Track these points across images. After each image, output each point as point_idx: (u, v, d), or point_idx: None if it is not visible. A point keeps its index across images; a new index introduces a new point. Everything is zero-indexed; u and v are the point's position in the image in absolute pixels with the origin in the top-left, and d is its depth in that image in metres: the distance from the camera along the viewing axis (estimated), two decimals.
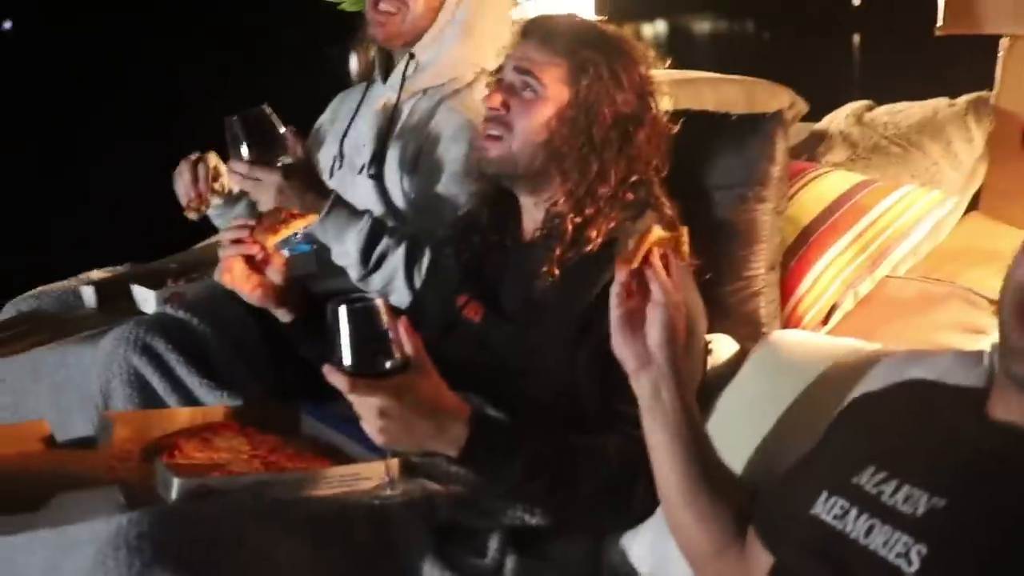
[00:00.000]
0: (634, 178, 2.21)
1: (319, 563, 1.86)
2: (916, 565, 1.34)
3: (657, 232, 1.70)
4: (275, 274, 2.29)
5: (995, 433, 1.45)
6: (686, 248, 1.74)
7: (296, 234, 2.52)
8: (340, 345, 1.80)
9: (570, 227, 2.15)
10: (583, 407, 2.07)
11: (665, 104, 2.31)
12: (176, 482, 1.88)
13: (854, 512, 1.47)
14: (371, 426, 1.83)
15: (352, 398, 1.82)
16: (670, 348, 1.68)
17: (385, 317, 1.83)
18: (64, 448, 2.12)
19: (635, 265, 1.67)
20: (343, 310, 1.80)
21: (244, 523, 1.82)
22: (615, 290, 1.71)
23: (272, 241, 2.27)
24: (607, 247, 2.11)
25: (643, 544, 2.06)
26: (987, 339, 2.48)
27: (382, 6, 2.79)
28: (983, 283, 2.63)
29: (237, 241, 2.27)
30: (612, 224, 2.16)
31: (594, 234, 2.13)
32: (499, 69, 2.31)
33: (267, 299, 2.31)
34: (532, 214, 2.29)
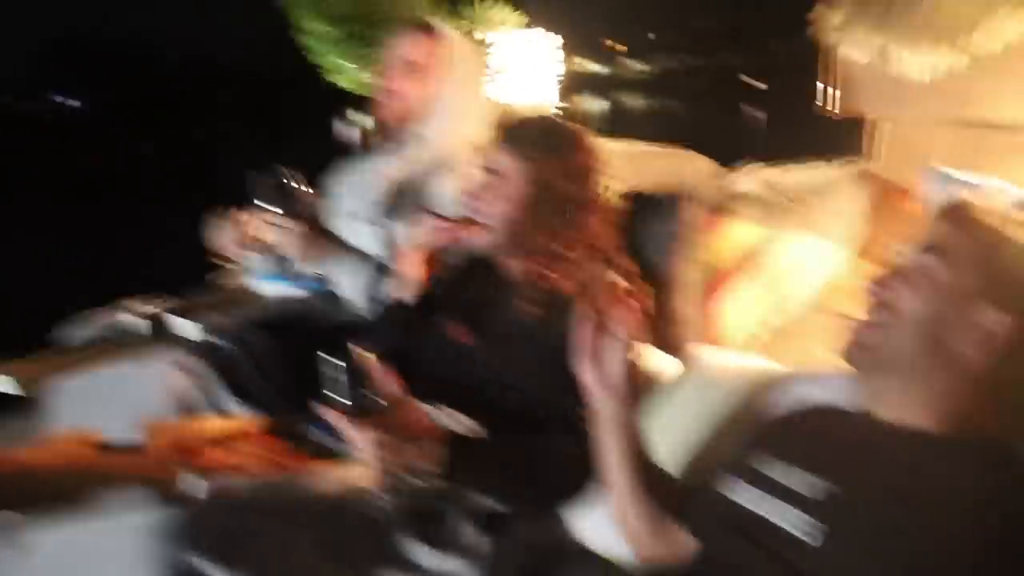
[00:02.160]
0: (593, 242, 2.24)
1: (319, 545, 1.86)
2: (819, 539, 1.38)
3: (616, 278, 1.81)
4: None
5: (877, 427, 1.51)
6: (650, 295, 1.82)
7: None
8: (335, 388, 1.78)
9: (542, 280, 2.17)
10: (546, 415, 2.05)
11: (616, 185, 2.32)
12: (198, 483, 1.87)
13: (765, 496, 1.51)
14: (367, 455, 1.83)
15: (350, 434, 1.82)
16: (623, 375, 1.69)
17: (372, 363, 1.82)
18: (113, 451, 2.07)
19: (598, 303, 1.70)
20: (336, 358, 1.77)
21: (258, 516, 1.83)
22: (580, 320, 1.71)
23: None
24: (578, 292, 2.09)
25: (591, 522, 2.05)
26: None
27: (383, 89, 2.80)
28: None
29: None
30: (580, 275, 2.16)
31: (567, 283, 2.14)
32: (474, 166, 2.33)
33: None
34: (513, 268, 2.28)
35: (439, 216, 2.35)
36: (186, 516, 1.76)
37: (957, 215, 1.52)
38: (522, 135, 2.26)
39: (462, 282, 2.42)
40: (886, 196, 2.98)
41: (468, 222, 2.29)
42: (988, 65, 1.65)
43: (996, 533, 1.27)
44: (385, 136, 2.92)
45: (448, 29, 2.89)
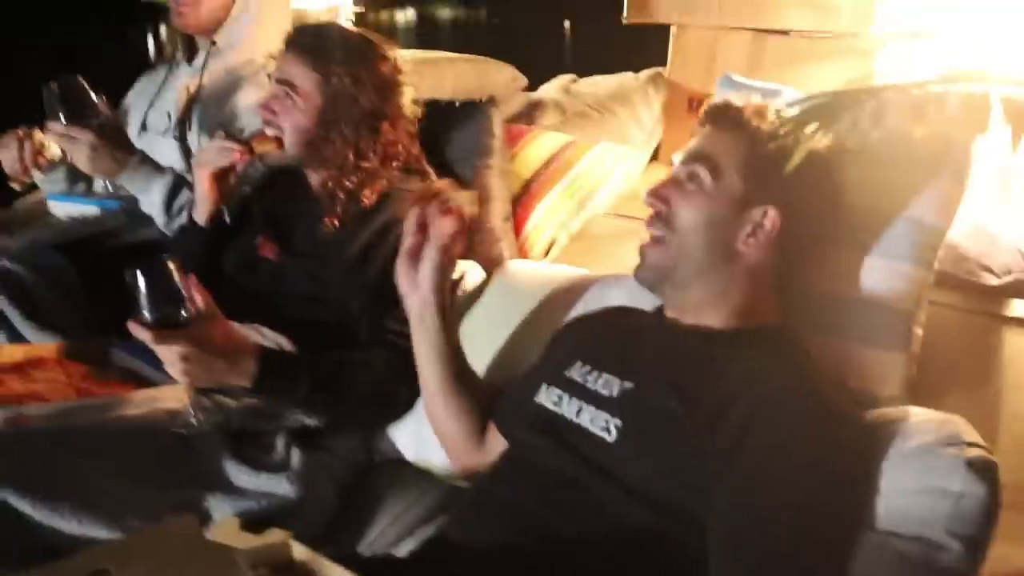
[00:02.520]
0: (391, 155, 2.23)
1: (127, 470, 1.80)
2: (615, 435, 1.45)
3: (439, 185, 1.81)
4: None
5: (666, 328, 1.61)
6: (468, 203, 1.81)
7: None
8: (141, 303, 1.73)
9: (341, 191, 2.15)
10: (357, 327, 2.04)
11: (408, 94, 2.28)
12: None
13: (567, 398, 1.57)
14: (174, 369, 1.79)
15: (156, 348, 1.77)
16: (435, 280, 1.76)
17: (177, 276, 1.77)
18: None
19: (419, 207, 1.76)
20: (140, 272, 1.72)
21: (57, 444, 1.77)
22: (407, 226, 1.77)
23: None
24: (380, 202, 2.13)
25: (406, 433, 2.09)
26: None
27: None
28: None
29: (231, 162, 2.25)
30: (382, 185, 2.16)
31: (368, 193, 2.14)
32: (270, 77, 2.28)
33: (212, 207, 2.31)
34: (314, 179, 2.27)
35: (227, 135, 2.28)
36: None
37: (719, 118, 1.60)
38: (315, 45, 2.22)
39: (267, 195, 2.40)
40: (678, 100, 3.04)
41: (260, 138, 2.26)
42: None
43: (764, 402, 1.36)
44: (184, 46, 2.85)
45: None
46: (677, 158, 1.62)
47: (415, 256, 1.77)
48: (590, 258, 2.49)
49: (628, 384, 1.50)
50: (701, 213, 1.54)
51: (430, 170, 2.33)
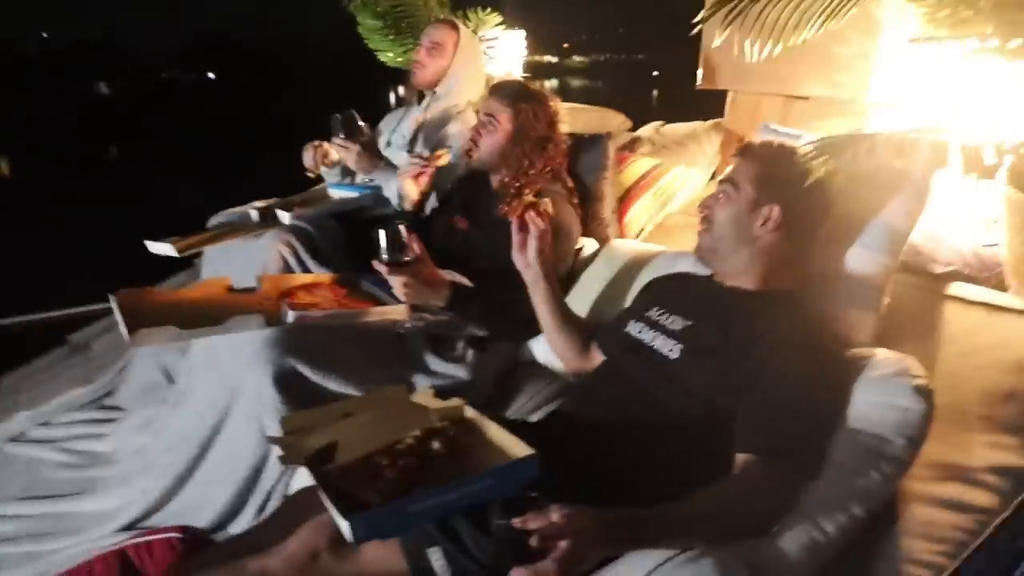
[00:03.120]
0: (548, 167, 2.22)
1: (367, 354, 1.86)
2: (676, 354, 1.45)
3: (529, 199, 1.79)
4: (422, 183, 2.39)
5: (715, 287, 1.59)
6: (550, 208, 1.80)
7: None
8: (381, 250, 1.82)
9: (512, 188, 2.15)
10: (513, 276, 1.96)
11: (564, 128, 2.27)
12: (291, 313, 1.85)
13: (646, 329, 1.56)
14: (398, 292, 1.88)
15: (388, 278, 1.86)
16: (539, 258, 1.76)
17: (405, 234, 1.84)
18: (236, 292, 2.05)
19: (517, 216, 1.75)
20: (382, 232, 1.81)
21: (327, 334, 1.83)
22: (514, 226, 1.76)
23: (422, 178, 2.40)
24: (538, 196, 2.07)
25: (539, 346, 2.06)
26: None
27: (417, 63, 2.77)
28: None
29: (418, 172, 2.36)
30: (539, 186, 2.15)
31: (528, 191, 2.11)
32: (477, 112, 2.29)
33: (415, 195, 2.40)
34: (494, 180, 2.26)
35: (416, 155, 2.39)
36: (284, 333, 1.75)
37: (741, 152, 1.59)
38: (510, 91, 2.21)
39: (462, 188, 2.40)
40: (731, 141, 2.94)
41: (438, 156, 2.37)
42: (795, 57, 1.65)
43: (781, 338, 1.35)
44: (416, 94, 2.92)
45: (461, 24, 2.85)
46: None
47: (523, 245, 1.77)
48: (667, 240, 2.43)
49: (688, 322, 1.48)
50: (727, 212, 1.53)
51: (568, 179, 2.29)
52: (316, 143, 2.73)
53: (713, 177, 2.88)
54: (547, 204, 1.81)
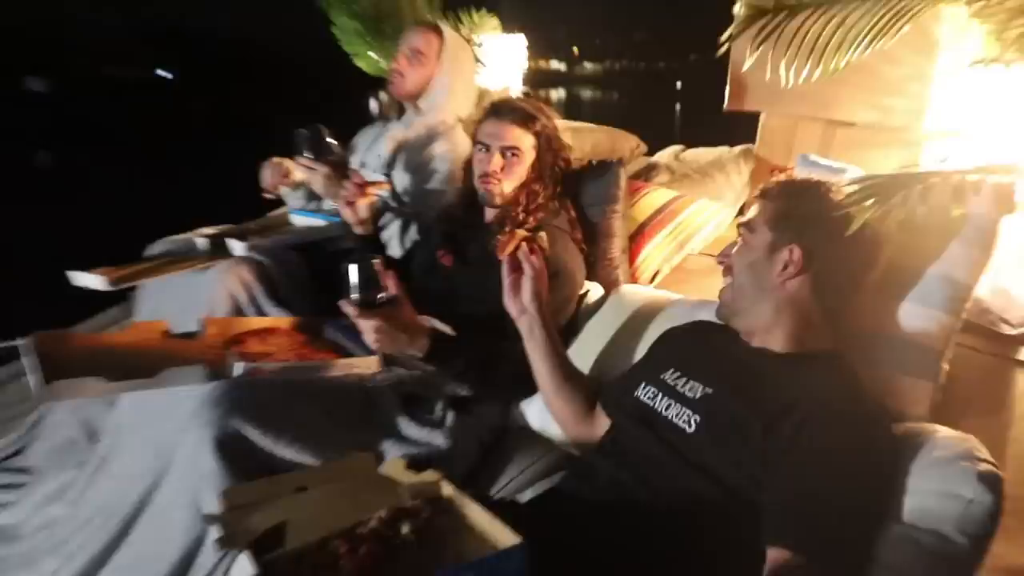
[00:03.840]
0: (553, 198, 2.24)
1: (329, 416, 1.81)
2: (694, 428, 1.42)
3: (522, 233, 1.77)
4: (364, 210, 2.32)
5: (740, 348, 1.56)
6: (545, 244, 1.81)
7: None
8: (351, 288, 1.78)
9: (510, 222, 2.13)
10: (504, 323, 1.95)
11: (568, 153, 2.29)
12: (238, 365, 1.82)
13: (660, 396, 1.53)
14: (369, 338, 1.82)
15: (358, 321, 1.80)
16: (536, 303, 1.76)
17: (379, 271, 1.81)
18: (175, 338, 2.02)
19: (508, 253, 1.75)
20: (352, 267, 1.77)
21: (281, 391, 1.78)
22: (504, 268, 1.76)
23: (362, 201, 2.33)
24: (534, 230, 2.08)
25: (533, 407, 2.04)
26: None
27: (395, 72, 2.75)
28: None
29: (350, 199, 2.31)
30: (542, 215, 2.18)
31: (531, 220, 2.15)
32: (481, 140, 2.24)
33: (361, 224, 2.34)
34: (488, 212, 2.26)
35: (360, 177, 2.35)
36: (229, 388, 1.70)
37: (762, 192, 1.59)
38: (526, 113, 2.20)
39: (445, 219, 2.38)
40: (762, 171, 2.95)
41: (376, 184, 2.37)
42: (838, 78, 1.66)
43: (815, 410, 1.31)
44: (397, 107, 2.90)
45: (447, 28, 2.84)
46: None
47: (515, 288, 1.76)
48: (685, 287, 2.43)
49: (708, 390, 1.46)
50: (745, 260, 1.53)
51: (572, 211, 2.30)
52: (276, 160, 2.72)
53: (740, 213, 2.88)
54: (542, 239, 1.80)
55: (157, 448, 1.73)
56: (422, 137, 2.73)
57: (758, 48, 1.59)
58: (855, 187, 1.45)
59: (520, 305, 1.76)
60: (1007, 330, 1.83)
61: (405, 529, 1.23)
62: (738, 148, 3.08)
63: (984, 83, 2.04)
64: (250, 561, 1.19)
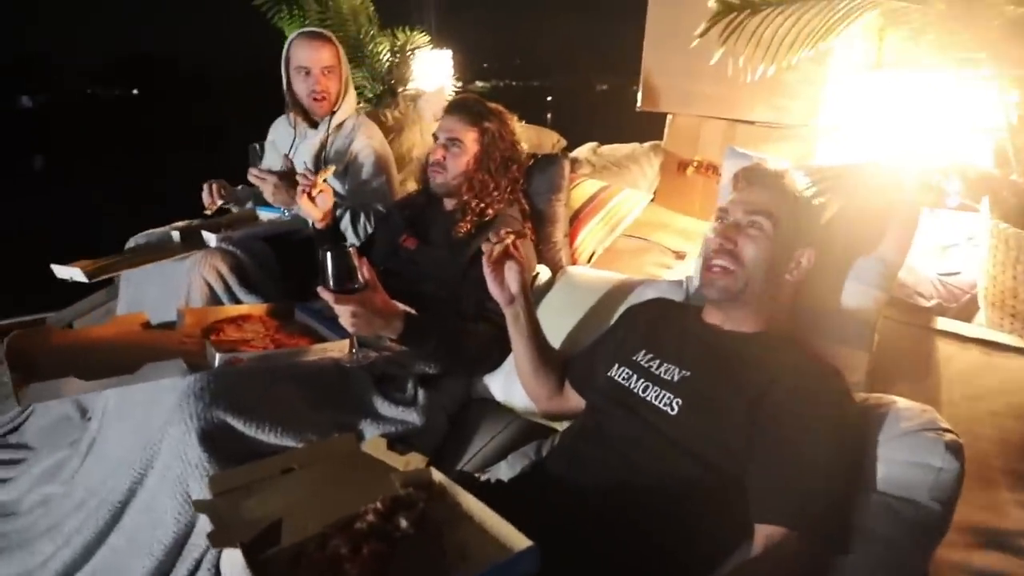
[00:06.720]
0: (509, 188, 2.00)
1: (307, 399, 1.54)
2: (676, 410, 1.20)
3: (508, 231, 1.53)
4: (323, 202, 2.02)
5: (709, 330, 1.34)
6: (529, 239, 1.64)
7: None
8: (327, 274, 1.52)
9: (470, 210, 1.93)
10: (466, 305, 1.79)
11: (525, 146, 2.08)
12: (218, 356, 1.54)
13: (634, 377, 1.31)
14: (346, 322, 1.56)
15: (335, 307, 1.54)
16: (523, 292, 1.53)
17: (354, 257, 1.54)
18: (154, 329, 1.73)
19: (497, 254, 1.51)
20: (328, 255, 1.51)
21: (260, 379, 1.50)
22: (485, 258, 1.52)
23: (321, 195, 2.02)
24: (495, 218, 1.93)
25: (496, 381, 1.81)
26: (671, 272, 2.30)
27: (321, 93, 2.47)
28: (663, 240, 2.49)
29: (307, 188, 2.00)
30: (500, 206, 1.95)
31: (490, 211, 1.93)
32: (435, 133, 2.00)
33: (318, 214, 2.02)
34: (449, 203, 2.02)
35: (303, 175, 2.03)
36: (209, 380, 1.42)
37: (755, 178, 1.33)
38: (473, 111, 1.97)
39: (406, 207, 2.15)
40: (671, 163, 2.78)
41: (322, 172, 2.03)
42: (740, 83, 1.48)
43: (794, 389, 1.13)
44: (313, 121, 2.56)
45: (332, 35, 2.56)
46: (721, 202, 1.34)
47: (499, 279, 1.52)
48: (616, 265, 2.24)
49: (686, 372, 1.23)
50: (765, 253, 1.26)
51: (524, 201, 2.08)
52: (210, 181, 2.46)
53: (652, 200, 2.71)
54: (527, 235, 1.60)
55: (143, 438, 1.44)
56: (344, 136, 2.50)
57: (724, 42, 1.37)
58: (815, 179, 1.26)
59: (508, 295, 1.52)
60: (922, 302, 1.69)
61: (404, 523, 1.00)
62: (648, 144, 2.90)
63: (872, 86, 1.90)
64: (245, 565, 0.94)
